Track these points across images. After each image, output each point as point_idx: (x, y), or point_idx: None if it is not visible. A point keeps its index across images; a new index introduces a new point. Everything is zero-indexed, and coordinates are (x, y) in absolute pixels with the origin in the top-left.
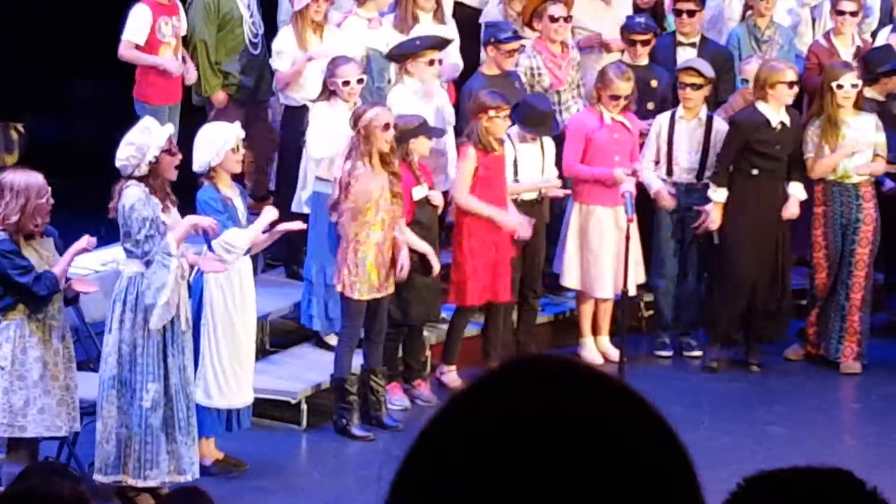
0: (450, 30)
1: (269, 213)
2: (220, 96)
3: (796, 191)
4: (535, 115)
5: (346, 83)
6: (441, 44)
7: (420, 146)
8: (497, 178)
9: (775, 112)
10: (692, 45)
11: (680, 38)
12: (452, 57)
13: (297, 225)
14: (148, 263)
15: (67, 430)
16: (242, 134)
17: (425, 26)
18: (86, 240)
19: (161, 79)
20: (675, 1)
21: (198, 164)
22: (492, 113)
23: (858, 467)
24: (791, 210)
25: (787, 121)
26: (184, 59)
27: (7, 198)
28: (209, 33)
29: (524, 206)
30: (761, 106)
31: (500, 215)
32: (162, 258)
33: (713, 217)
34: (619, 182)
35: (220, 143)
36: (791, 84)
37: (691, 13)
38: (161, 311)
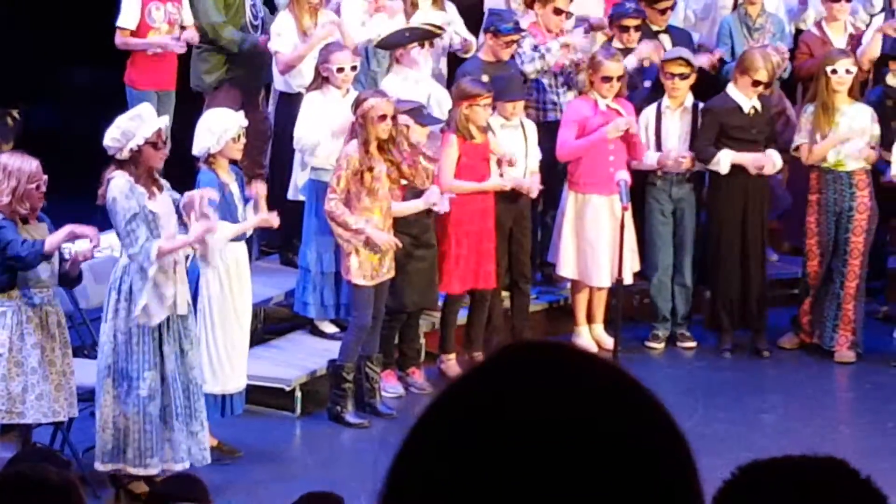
0: (450, 15)
1: (258, 217)
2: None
3: (772, 153)
4: (503, 85)
5: (341, 70)
6: (428, 35)
7: (413, 132)
8: (479, 167)
9: (746, 98)
10: (665, 31)
11: (654, 27)
12: (462, 35)
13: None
14: (131, 258)
15: (66, 416)
16: (245, 123)
17: (425, 13)
18: (91, 230)
19: (150, 64)
20: (654, 1)
21: (197, 149)
22: (472, 101)
23: (852, 456)
24: (759, 160)
25: (758, 106)
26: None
27: None
28: (218, 15)
29: (509, 196)
30: (732, 91)
31: (485, 184)
32: (143, 262)
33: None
34: (610, 136)
35: (220, 130)
36: (756, 83)
37: (672, 7)
38: (143, 310)
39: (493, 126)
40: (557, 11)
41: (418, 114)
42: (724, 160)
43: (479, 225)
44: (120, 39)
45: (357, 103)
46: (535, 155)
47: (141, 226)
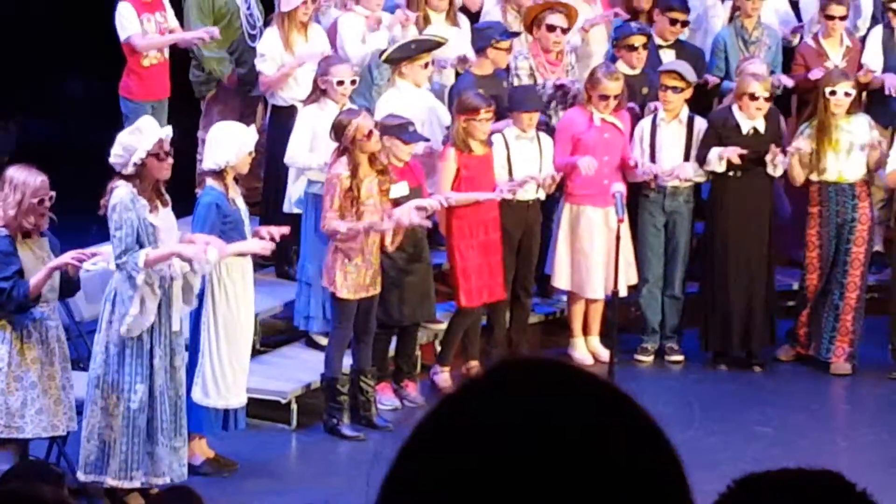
0: (462, 32)
1: (254, 244)
2: (232, 77)
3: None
4: (520, 96)
5: (340, 83)
6: (434, 46)
7: (395, 148)
8: (481, 179)
9: (747, 118)
10: (670, 46)
11: (659, 41)
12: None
13: (282, 230)
14: (119, 268)
15: (65, 430)
16: (256, 137)
17: (437, 27)
18: (69, 256)
19: (146, 74)
20: (668, 10)
21: (213, 162)
22: (471, 115)
23: (849, 469)
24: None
25: (761, 127)
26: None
27: (6, 190)
28: (205, 26)
29: (519, 208)
30: (735, 111)
31: (484, 195)
32: (131, 269)
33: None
34: (581, 171)
35: (240, 143)
36: (753, 96)
37: (684, 24)
38: (132, 321)
39: (508, 138)
40: (551, 28)
41: (403, 131)
42: (713, 157)
43: (484, 237)
44: (144, 41)
45: (338, 128)
46: (550, 169)
47: (132, 236)
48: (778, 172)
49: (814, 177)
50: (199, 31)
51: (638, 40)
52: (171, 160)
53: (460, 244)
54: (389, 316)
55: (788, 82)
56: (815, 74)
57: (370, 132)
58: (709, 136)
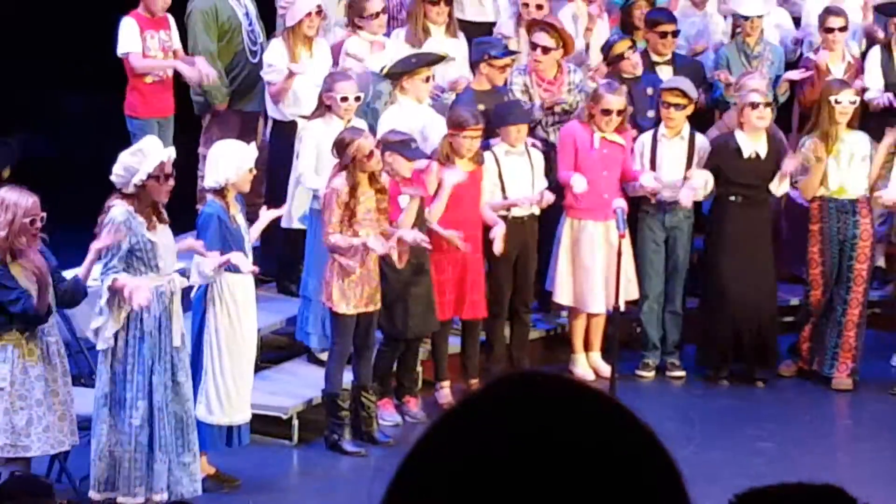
0: (461, 44)
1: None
2: (223, 105)
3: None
4: (505, 111)
5: (345, 99)
6: (435, 60)
7: (397, 163)
8: (466, 196)
9: (751, 141)
10: (666, 62)
11: (655, 57)
12: (462, 71)
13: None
14: (101, 280)
15: (69, 445)
16: (256, 154)
17: (437, 40)
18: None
19: (151, 91)
20: (655, 24)
21: (213, 180)
22: (457, 130)
23: (850, 484)
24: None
25: (762, 151)
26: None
27: None
28: (211, 43)
29: (514, 224)
30: (738, 134)
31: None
32: (102, 284)
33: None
34: (570, 188)
35: (238, 160)
36: (754, 105)
37: (675, 34)
38: (96, 332)
39: (498, 154)
40: (533, 46)
41: (406, 147)
42: (695, 172)
43: (462, 253)
44: (141, 63)
45: (339, 146)
46: (541, 184)
47: (113, 253)
48: (780, 192)
49: (817, 191)
50: (200, 65)
51: (622, 46)
52: (171, 183)
53: (436, 257)
54: (395, 328)
55: (795, 75)
56: (821, 57)
57: (371, 153)
58: (707, 159)
